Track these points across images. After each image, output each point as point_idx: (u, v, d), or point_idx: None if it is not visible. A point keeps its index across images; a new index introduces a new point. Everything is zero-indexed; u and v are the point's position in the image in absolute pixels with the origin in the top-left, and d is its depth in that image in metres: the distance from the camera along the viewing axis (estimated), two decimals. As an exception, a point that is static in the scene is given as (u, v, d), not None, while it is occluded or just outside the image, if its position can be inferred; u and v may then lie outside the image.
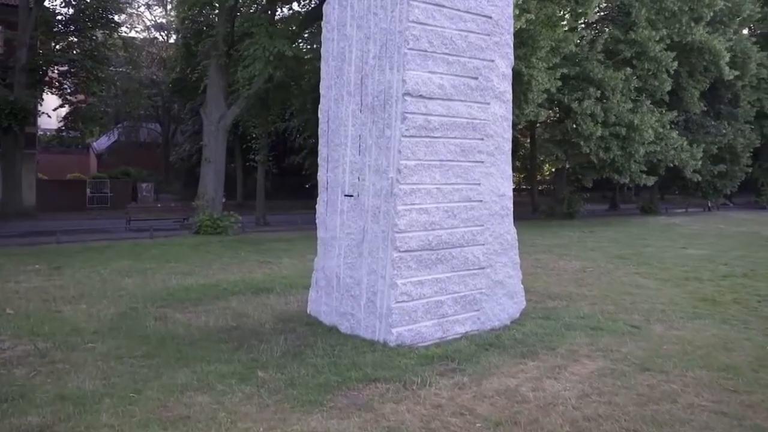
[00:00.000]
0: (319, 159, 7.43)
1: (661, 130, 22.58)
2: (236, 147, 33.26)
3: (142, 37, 41.73)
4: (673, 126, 24.35)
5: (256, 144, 23.61)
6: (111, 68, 29.90)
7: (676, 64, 22.47)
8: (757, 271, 11.56)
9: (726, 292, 9.54)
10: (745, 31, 32.47)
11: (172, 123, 42.70)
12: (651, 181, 24.10)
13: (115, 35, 27.84)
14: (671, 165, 24.48)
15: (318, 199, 7.48)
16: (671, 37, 22.50)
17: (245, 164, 33.26)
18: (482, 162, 6.78)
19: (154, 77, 39.53)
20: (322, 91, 7.34)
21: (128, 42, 30.52)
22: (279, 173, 39.02)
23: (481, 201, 6.80)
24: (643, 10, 21.55)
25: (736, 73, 25.62)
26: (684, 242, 17.16)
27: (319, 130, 7.43)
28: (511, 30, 7.11)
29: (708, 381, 5.22)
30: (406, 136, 6.12)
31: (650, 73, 22.47)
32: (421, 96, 6.18)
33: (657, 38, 21.56)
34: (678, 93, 25.08)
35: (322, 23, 7.39)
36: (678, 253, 14.72)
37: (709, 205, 36.08)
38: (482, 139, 6.75)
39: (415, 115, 6.16)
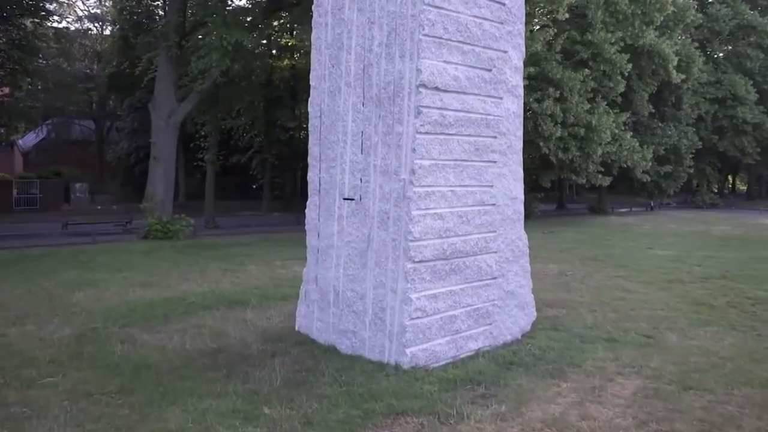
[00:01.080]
0: (309, 158, 6.66)
1: (616, 131, 22.86)
2: (179, 145, 31.60)
3: (74, 28, 39.12)
4: (626, 127, 24.76)
5: (204, 142, 22.32)
6: (41, 60, 27.68)
7: (630, 66, 22.81)
8: (733, 272, 11.56)
9: (715, 295, 9.38)
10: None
11: (108, 120, 40.25)
12: (607, 181, 24.43)
13: (46, 24, 25.74)
14: (624, 166, 24.89)
15: (308, 202, 6.71)
16: (624, 40, 22.83)
17: (188, 163, 31.66)
18: (495, 162, 6.21)
19: (88, 71, 37.13)
20: (312, 82, 6.57)
21: (60, 32, 28.36)
22: (222, 173, 37.48)
23: (494, 205, 6.23)
24: (599, 12, 21.74)
25: (683, 76, 26.37)
26: (647, 243, 17.27)
27: (309, 125, 6.66)
28: (524, 19, 6.57)
29: (760, 400, 4.82)
30: (421, 133, 5.46)
31: (605, 74, 22.71)
32: (436, 88, 5.53)
33: (612, 40, 21.80)
34: (628, 95, 25.54)
35: (313, 7, 6.61)
36: (646, 254, 14.71)
37: (652, 204, 37.26)
38: (495, 137, 6.17)
39: (430, 110, 5.51)
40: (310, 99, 6.63)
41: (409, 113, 5.47)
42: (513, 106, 6.41)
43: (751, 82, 38.03)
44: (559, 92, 20.97)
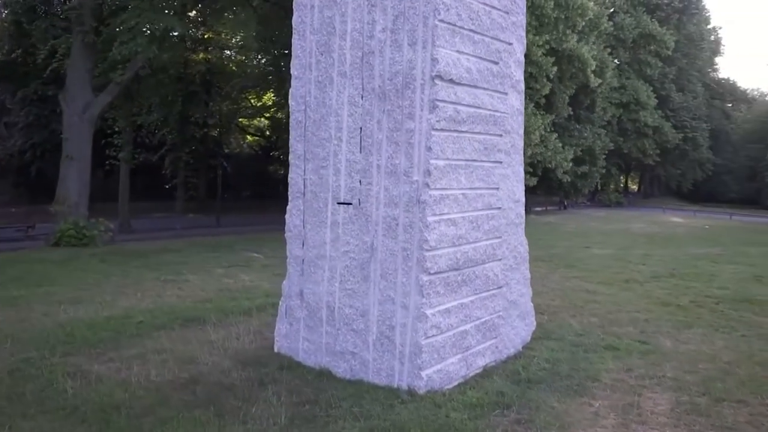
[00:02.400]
0: (291, 157, 5.90)
1: (544, 132, 23.39)
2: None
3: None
4: (551, 129, 25.44)
5: (118, 139, 20.45)
6: None
7: (555, 69, 23.41)
8: (679, 271, 11.92)
9: (676, 294, 9.52)
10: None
11: (-5, 113, 36.32)
12: (534, 182, 24.97)
13: None
14: (549, 166, 25.57)
15: (289, 207, 5.95)
16: (549, 43, 23.40)
17: (95, 162, 29.09)
18: (501, 162, 5.75)
19: (-29, 59, 33.25)
20: (294, 71, 5.82)
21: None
22: (130, 172, 34.96)
23: (500, 209, 5.77)
24: (527, 15, 22.08)
25: (599, 81, 27.55)
26: (581, 241, 17.69)
27: (291, 120, 5.89)
28: (525, 10, 6.17)
29: (796, 410, 4.68)
30: (436, 130, 4.89)
31: (531, 76, 23.16)
32: (451, 80, 4.98)
33: (540, 43, 22.25)
34: (551, 98, 26.29)
35: (296, -14, 5.86)
36: (587, 253, 14.98)
37: (565, 203, 38.85)
38: (501, 136, 5.72)
39: (445, 104, 4.95)
40: (291, 90, 5.88)
41: (423, 107, 4.88)
42: (516, 102, 5.99)
43: (651, 88, 40.65)
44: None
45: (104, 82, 15.63)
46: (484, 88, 5.41)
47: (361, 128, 5.26)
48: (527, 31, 21.78)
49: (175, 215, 29.17)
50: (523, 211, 6.25)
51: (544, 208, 37.16)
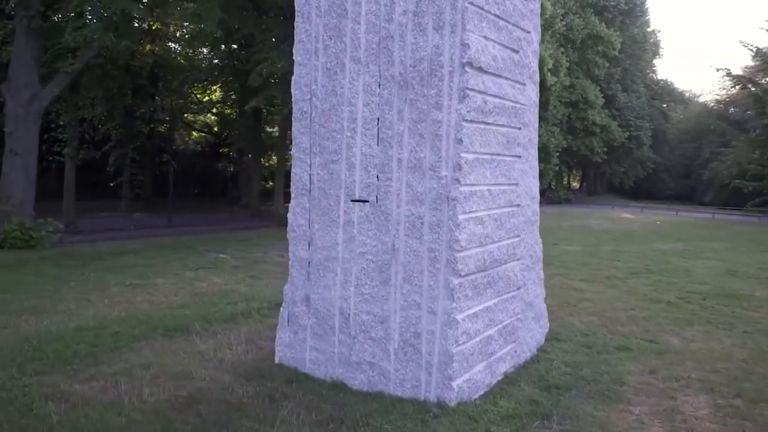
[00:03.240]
0: (294, 151, 5.41)
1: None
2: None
3: None
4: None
5: (63, 134, 19.11)
6: None
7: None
8: (653, 267, 12.03)
9: (660, 290, 9.54)
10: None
11: None
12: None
13: None
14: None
15: (292, 204, 5.47)
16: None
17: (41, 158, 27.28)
18: (520, 157, 5.46)
19: None
20: (297, 57, 5.34)
21: None
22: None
23: (519, 206, 5.48)
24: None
25: (555, 79, 27.94)
26: (547, 239, 17.70)
27: (294, 111, 5.41)
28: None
29: (834, 409, 4.58)
30: (467, 121, 4.53)
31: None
32: (480, 68, 4.64)
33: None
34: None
35: (298, -36, 5.37)
36: (558, 249, 14.98)
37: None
38: (520, 129, 5.42)
39: (475, 94, 4.60)
40: (294, 78, 5.39)
41: (451, 97, 4.51)
42: (533, 94, 5.71)
43: (598, 87, 41.72)
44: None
45: (48, 72, 14.47)
46: (507, 78, 5.10)
47: (378, 119, 4.85)
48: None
49: (121, 215, 27.72)
50: (538, 208, 5.98)
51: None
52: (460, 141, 4.47)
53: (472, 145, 4.61)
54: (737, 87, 37.63)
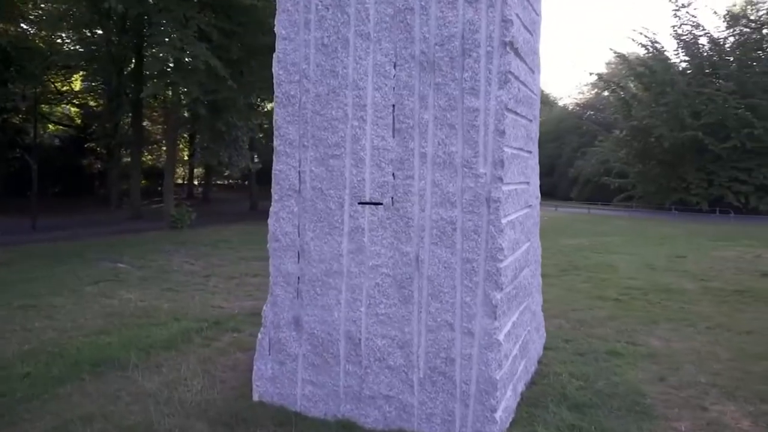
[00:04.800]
0: (278, 143, 4.47)
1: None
2: None
3: None
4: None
5: None
6: None
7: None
8: (576, 263, 12.25)
9: (600, 287, 9.63)
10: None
11: None
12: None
13: None
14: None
15: (274, 209, 4.53)
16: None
17: None
18: (531, 152, 4.95)
19: None
20: (282, 30, 4.41)
21: None
22: None
23: (531, 206, 4.98)
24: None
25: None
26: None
27: (276, 96, 4.47)
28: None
29: None
30: (509, 110, 3.91)
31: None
32: (517, 51, 4.04)
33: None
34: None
35: None
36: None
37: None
38: (532, 121, 4.91)
39: (514, 79, 4.00)
40: (277, 55, 4.45)
41: (490, 81, 3.86)
42: (539, 83, 5.23)
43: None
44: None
45: None
46: (527, 64, 4.55)
47: (393, 106, 4.08)
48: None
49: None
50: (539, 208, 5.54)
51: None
52: (502, 133, 3.84)
53: (512, 138, 4.00)
54: (607, 90, 40.78)
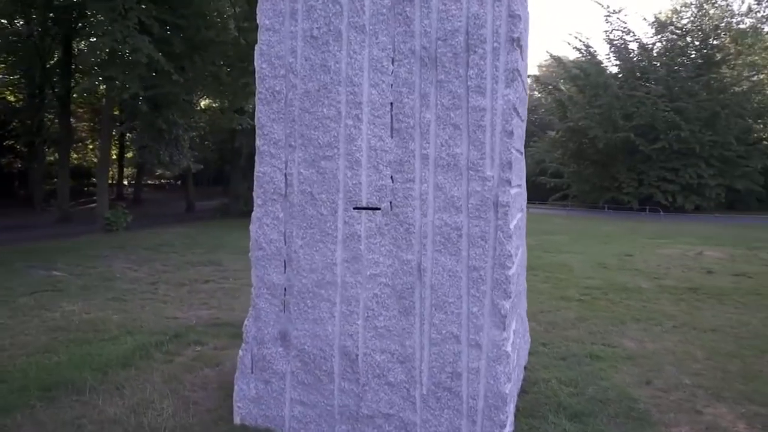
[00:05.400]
0: (261, 143, 4.11)
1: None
2: None
3: None
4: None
5: None
6: None
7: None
8: (530, 263, 12.31)
9: (560, 286, 9.69)
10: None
11: None
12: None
13: None
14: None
15: (256, 214, 4.16)
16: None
17: None
18: (521, 152, 4.79)
19: None
20: (264, 20, 4.06)
21: None
22: None
23: (523, 210, 4.82)
24: None
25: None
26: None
27: (259, 91, 4.11)
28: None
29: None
30: (515, 110, 3.72)
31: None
32: (521, 48, 3.85)
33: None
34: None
35: None
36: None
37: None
38: (524, 121, 4.76)
39: (518, 78, 3.81)
40: (259, 47, 4.09)
41: (497, 80, 3.66)
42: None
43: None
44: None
45: None
46: (522, 59, 4.38)
47: (391, 104, 3.81)
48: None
49: None
50: (526, 212, 5.39)
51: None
52: (510, 133, 3.65)
53: (518, 139, 3.82)
54: (543, 92, 41.90)
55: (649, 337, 6.64)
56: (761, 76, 36.82)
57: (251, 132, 24.10)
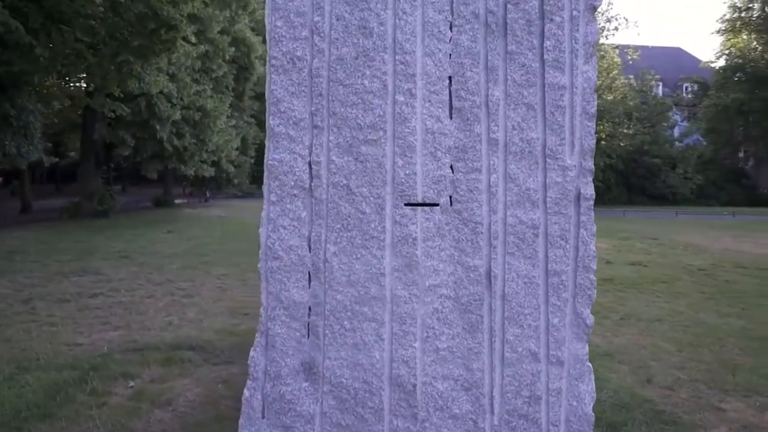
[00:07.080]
0: (274, 122, 3.21)
1: (226, 118, 21.25)
2: None
3: None
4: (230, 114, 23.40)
5: None
6: None
7: (233, 49, 21.49)
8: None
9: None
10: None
11: None
12: (211, 172, 22.50)
13: None
14: (221, 155, 23.47)
15: (268, 214, 3.26)
16: (226, 22, 21.35)
17: None
18: (542, 143, 4.35)
19: None
20: (279, -35, 3.17)
21: None
22: None
23: (544, 204, 4.37)
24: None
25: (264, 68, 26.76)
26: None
27: (273, 57, 3.20)
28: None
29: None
30: (590, 89, 3.24)
31: (207, 55, 20.71)
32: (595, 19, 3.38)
33: (220, 19, 20.02)
34: (224, 80, 24.19)
35: None
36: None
37: (207, 195, 37.13)
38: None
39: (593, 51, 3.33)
40: (272, 2, 3.18)
41: (576, 54, 3.15)
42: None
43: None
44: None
45: None
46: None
47: (450, 78, 3.15)
48: (207, 5, 19.39)
49: None
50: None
51: (186, 201, 34.74)
52: (591, 116, 3.17)
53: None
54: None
55: (609, 332, 6.63)
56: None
57: (107, 121, 21.43)
